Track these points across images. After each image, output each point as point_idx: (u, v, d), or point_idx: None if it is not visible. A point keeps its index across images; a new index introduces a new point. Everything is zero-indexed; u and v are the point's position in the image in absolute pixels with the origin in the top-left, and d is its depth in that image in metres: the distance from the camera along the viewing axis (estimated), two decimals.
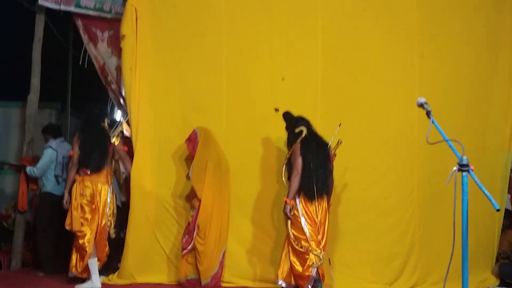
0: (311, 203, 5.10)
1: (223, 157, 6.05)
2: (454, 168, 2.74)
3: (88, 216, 5.60)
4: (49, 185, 6.66)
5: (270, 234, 5.98)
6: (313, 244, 4.99)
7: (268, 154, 6.14)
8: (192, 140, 5.86)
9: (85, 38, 7.27)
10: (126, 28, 6.15)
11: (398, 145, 6.09)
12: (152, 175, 6.13)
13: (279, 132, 5.97)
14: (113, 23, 6.82)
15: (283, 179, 5.47)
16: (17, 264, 6.98)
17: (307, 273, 4.97)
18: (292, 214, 5.07)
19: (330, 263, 5.39)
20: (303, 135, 5.28)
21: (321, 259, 5.04)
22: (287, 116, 5.59)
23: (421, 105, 3.12)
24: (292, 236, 5.07)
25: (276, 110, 6.07)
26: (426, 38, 6.16)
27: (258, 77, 6.27)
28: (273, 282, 5.48)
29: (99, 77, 7.53)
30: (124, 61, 6.23)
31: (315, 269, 4.99)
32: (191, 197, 5.94)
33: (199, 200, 5.71)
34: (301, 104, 6.07)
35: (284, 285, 5.18)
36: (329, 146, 5.40)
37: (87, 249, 5.48)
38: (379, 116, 6.12)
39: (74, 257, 5.65)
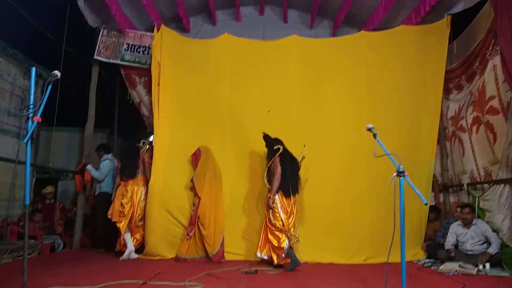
0: (287, 198, 5.34)
1: (218, 169, 6.10)
2: (394, 174, 2.78)
3: (126, 209, 5.85)
4: (105, 185, 6.64)
5: (256, 220, 6.01)
6: (286, 227, 5.22)
7: (255, 163, 6.20)
8: (196, 155, 6.04)
9: (127, 82, 7.37)
10: (153, 75, 6.38)
11: (351, 158, 6.13)
12: (168, 177, 6.12)
13: (264, 148, 6.05)
14: (148, 71, 6.89)
15: (265, 181, 5.62)
16: (77, 244, 6.97)
17: (281, 246, 5.16)
18: (272, 206, 5.26)
19: (299, 241, 5.50)
20: (280, 151, 5.52)
21: (296, 237, 5.34)
22: (266, 137, 5.83)
23: (369, 129, 3.18)
24: (272, 222, 5.26)
25: (264, 133, 6.15)
26: (371, 83, 6.26)
27: (252, 109, 6.33)
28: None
29: (137, 110, 7.61)
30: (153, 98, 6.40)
31: (287, 243, 5.16)
32: (193, 196, 6.02)
33: (199, 199, 5.81)
34: (282, 129, 6.16)
35: (265, 257, 5.36)
36: (297, 160, 5.68)
37: (122, 230, 5.81)
38: (338, 138, 6.19)
39: (119, 238, 5.89)
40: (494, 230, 5.30)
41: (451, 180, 6.79)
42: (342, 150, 6.15)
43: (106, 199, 6.30)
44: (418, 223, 6.19)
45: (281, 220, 5.23)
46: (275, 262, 5.20)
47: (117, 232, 5.91)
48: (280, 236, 5.21)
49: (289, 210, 5.32)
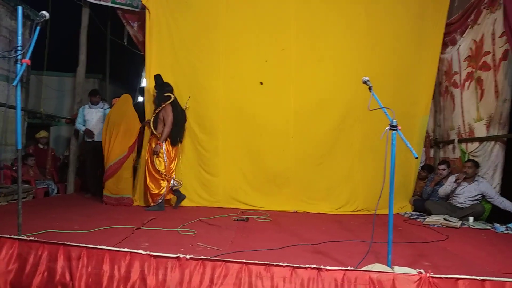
0: (173, 147, 5.64)
1: (116, 116, 5.89)
2: (387, 128, 2.80)
3: None
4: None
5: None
6: (168, 173, 5.54)
7: (250, 113, 6.11)
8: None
9: (123, 21, 7.13)
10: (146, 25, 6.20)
11: (346, 110, 6.08)
12: None
13: (262, 100, 6.03)
14: (141, 14, 6.70)
15: (151, 127, 5.67)
16: (71, 189, 7.07)
17: (160, 192, 5.51)
18: (159, 152, 5.49)
19: (181, 184, 5.80)
20: (172, 99, 5.62)
21: (180, 183, 5.70)
22: (158, 77, 5.82)
23: (365, 82, 3.14)
24: (156, 167, 5.49)
25: (261, 83, 6.06)
26: (371, 34, 6.08)
27: (247, 59, 6.16)
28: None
29: (129, 56, 7.44)
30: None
31: (165, 189, 5.52)
32: None
33: None
34: (279, 80, 6.10)
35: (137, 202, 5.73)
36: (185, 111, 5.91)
37: None
38: (334, 89, 6.09)
39: None
40: None
41: (442, 135, 6.87)
42: (338, 101, 6.08)
43: (95, 147, 6.37)
44: (408, 177, 6.32)
45: (165, 166, 5.52)
46: (150, 204, 5.57)
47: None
48: (161, 182, 5.52)
49: (172, 156, 5.66)
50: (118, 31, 7.54)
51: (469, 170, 5.47)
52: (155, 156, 5.49)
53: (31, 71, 7.80)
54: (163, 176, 5.48)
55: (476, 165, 5.52)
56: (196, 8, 6.21)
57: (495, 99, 5.37)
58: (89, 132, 6.45)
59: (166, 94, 5.63)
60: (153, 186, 5.53)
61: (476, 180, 5.47)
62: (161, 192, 5.50)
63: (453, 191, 5.63)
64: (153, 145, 5.57)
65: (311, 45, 6.12)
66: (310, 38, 6.12)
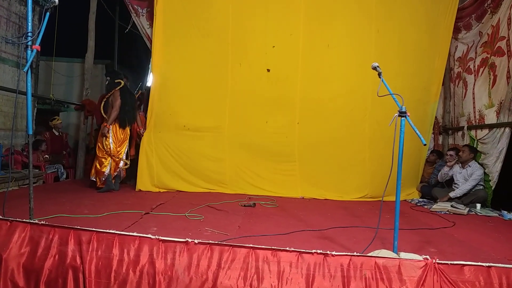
0: (122, 129, 5.77)
1: None
2: (396, 114, 2.78)
3: None
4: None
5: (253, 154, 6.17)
6: (114, 153, 5.66)
7: (258, 101, 6.08)
8: None
9: (131, 11, 7.08)
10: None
11: (356, 97, 6.01)
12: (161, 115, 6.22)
13: (269, 86, 6.00)
14: (149, 1, 6.63)
15: (101, 111, 5.83)
16: (80, 174, 7.14)
17: (103, 170, 5.62)
18: (107, 134, 5.61)
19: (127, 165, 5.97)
20: (121, 85, 5.76)
21: (127, 163, 5.87)
22: (108, 66, 6.03)
23: (374, 68, 3.11)
24: (101, 147, 5.64)
25: (268, 70, 6.00)
26: (381, 18, 5.99)
27: (255, 45, 6.10)
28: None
29: (137, 41, 7.41)
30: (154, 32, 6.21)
31: (109, 170, 5.64)
32: None
33: None
34: (287, 66, 6.03)
35: (93, 179, 5.73)
36: (137, 94, 6.22)
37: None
38: (344, 75, 6.02)
39: None
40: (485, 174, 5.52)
41: (452, 122, 6.80)
42: (347, 88, 6.00)
43: None
44: (416, 164, 6.28)
45: (110, 147, 5.64)
46: (97, 184, 5.69)
47: None
48: (104, 161, 5.63)
49: (121, 138, 5.78)
50: (126, 16, 7.50)
51: (463, 155, 5.58)
52: (103, 138, 5.63)
53: (40, 57, 7.82)
54: (108, 153, 5.61)
55: (472, 150, 5.58)
56: None
57: (506, 85, 5.29)
58: None
59: (117, 81, 5.79)
60: (97, 163, 5.66)
61: (469, 166, 5.52)
62: (103, 170, 5.60)
63: (447, 174, 5.80)
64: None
65: (320, 30, 6.03)
66: (319, 23, 6.03)
